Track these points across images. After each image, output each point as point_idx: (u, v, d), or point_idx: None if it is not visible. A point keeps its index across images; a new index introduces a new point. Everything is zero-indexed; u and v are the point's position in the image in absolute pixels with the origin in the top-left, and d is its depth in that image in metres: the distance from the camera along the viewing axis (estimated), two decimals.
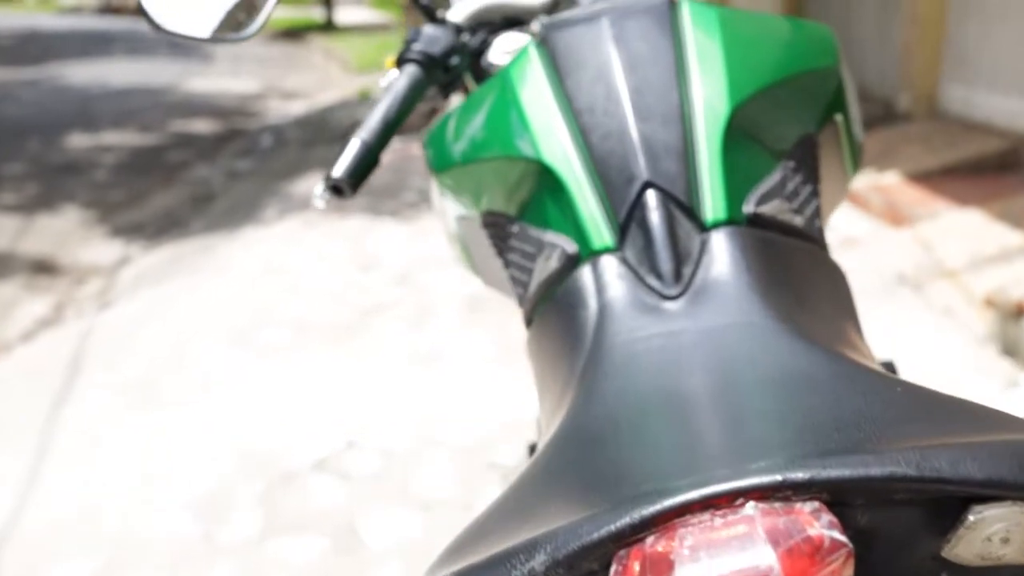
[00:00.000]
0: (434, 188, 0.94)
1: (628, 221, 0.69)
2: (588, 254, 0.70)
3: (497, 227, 0.83)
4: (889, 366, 1.04)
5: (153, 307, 3.55)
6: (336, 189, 0.88)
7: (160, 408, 2.60)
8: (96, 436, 2.48)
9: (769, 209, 0.70)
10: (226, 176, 6.15)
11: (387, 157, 5.67)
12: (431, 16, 1.01)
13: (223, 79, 12.14)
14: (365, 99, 9.16)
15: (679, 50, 0.76)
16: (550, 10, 1.11)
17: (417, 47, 0.96)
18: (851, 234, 3.69)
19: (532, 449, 1.00)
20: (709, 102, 0.73)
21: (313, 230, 4.38)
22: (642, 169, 0.70)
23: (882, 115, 5.19)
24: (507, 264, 0.82)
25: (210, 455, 2.30)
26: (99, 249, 4.65)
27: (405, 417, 2.41)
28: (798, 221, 0.72)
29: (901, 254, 3.24)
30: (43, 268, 4.43)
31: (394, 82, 0.95)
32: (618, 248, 0.69)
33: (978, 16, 4.53)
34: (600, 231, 0.70)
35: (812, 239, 0.73)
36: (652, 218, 0.68)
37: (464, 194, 0.86)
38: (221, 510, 2.06)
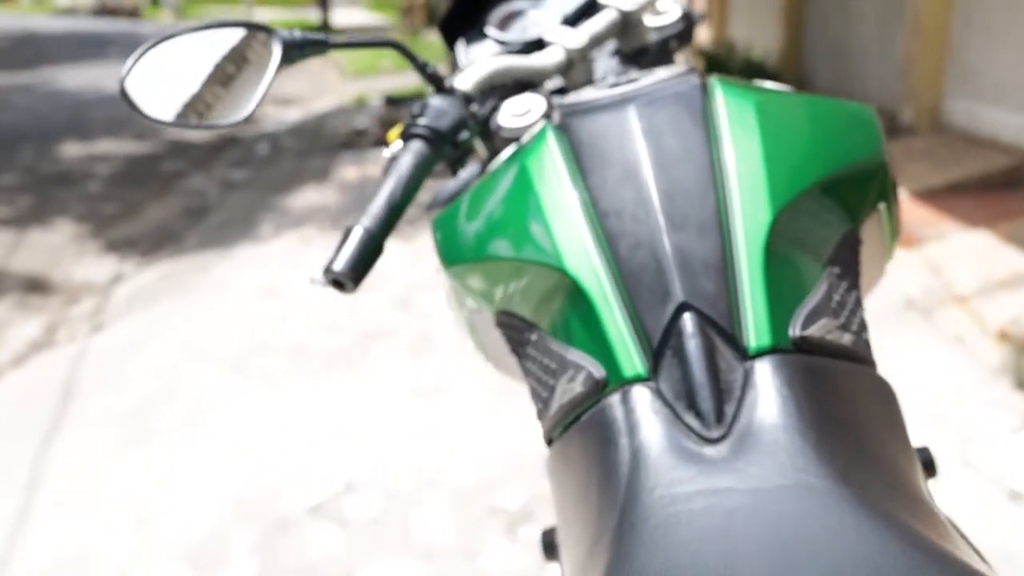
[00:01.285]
0: (442, 273, 0.88)
1: (662, 347, 0.63)
2: (617, 381, 0.64)
3: (514, 330, 0.77)
4: (925, 453, 0.98)
5: (146, 331, 3.48)
6: (336, 282, 0.81)
7: (153, 443, 2.53)
8: (88, 474, 2.41)
9: (816, 330, 0.64)
10: (221, 187, 6.08)
11: (380, 169, 5.67)
12: (438, 85, 0.94)
13: None
14: (361, 105, 9.09)
15: (714, 145, 0.70)
16: (564, 70, 1.04)
17: (423, 121, 0.89)
18: None
19: (546, 540, 0.93)
20: (749, 208, 0.66)
21: (310, 248, 4.31)
22: (677, 288, 0.63)
23: (885, 128, 5.11)
24: (525, 371, 0.76)
25: (204, 497, 2.23)
26: (92, 266, 4.58)
27: (405, 455, 2.35)
28: (846, 339, 0.66)
29: (909, 277, 3.18)
30: (35, 286, 4.35)
31: (399, 160, 0.88)
32: (651, 378, 0.63)
33: (983, 30, 4.48)
34: (631, 357, 0.63)
35: (861, 358, 0.67)
36: (690, 346, 0.61)
37: (477, 290, 0.80)
38: (215, 560, 1.99)
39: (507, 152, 0.95)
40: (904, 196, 4.03)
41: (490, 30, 1.17)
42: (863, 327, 0.70)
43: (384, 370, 2.84)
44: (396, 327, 3.17)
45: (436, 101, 0.91)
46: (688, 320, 0.62)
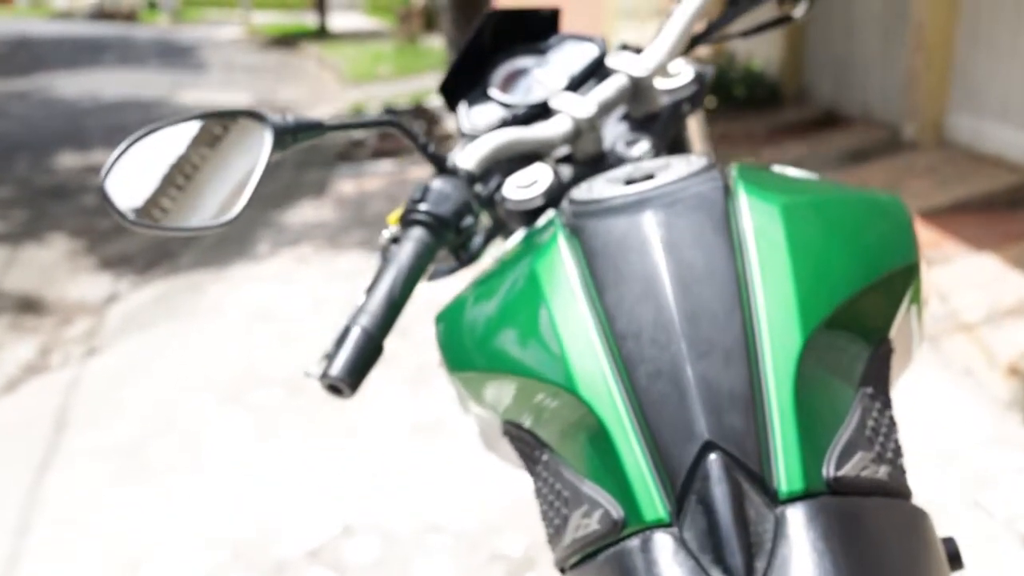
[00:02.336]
0: (445, 375, 0.83)
1: (686, 490, 0.58)
2: (637, 523, 0.59)
3: (523, 443, 0.72)
4: (951, 545, 0.93)
5: (140, 357, 3.43)
6: (333, 387, 0.76)
7: (147, 481, 2.48)
8: (80, 516, 2.36)
9: (851, 468, 0.59)
10: None
11: (381, 183, 5.57)
12: (440, 165, 0.89)
13: (215, 91, 11.99)
14: (359, 113, 9.04)
15: (739, 258, 0.65)
16: (571, 140, 1.00)
17: (424, 207, 0.84)
18: None
19: None
20: (778, 332, 0.62)
21: (306, 267, 4.26)
22: (702, 425, 0.58)
23: (887, 143, 5.09)
24: (536, 490, 0.71)
25: (199, 541, 2.18)
26: (87, 284, 4.53)
27: (404, 497, 2.30)
28: (883, 473, 0.61)
29: None
30: (29, 306, 4.30)
31: (398, 248, 0.83)
32: (673, 523, 0.58)
33: (988, 46, 4.44)
34: (652, 500, 0.58)
35: (897, 491, 0.62)
36: (716, 492, 0.56)
37: (484, 399, 0.75)
38: None
39: (514, 239, 0.90)
40: None
41: (493, 92, 1.13)
42: (898, 452, 0.65)
43: (383, 403, 2.79)
44: (394, 356, 3.12)
45: (438, 184, 0.86)
46: (714, 462, 0.57)
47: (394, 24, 17.38)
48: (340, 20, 22.63)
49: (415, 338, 3.26)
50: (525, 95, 1.12)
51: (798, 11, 1.12)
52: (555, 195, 1.01)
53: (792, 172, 0.81)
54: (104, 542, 2.23)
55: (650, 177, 0.76)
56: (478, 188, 0.90)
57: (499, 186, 0.93)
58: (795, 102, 6.39)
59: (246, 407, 2.85)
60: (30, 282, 4.60)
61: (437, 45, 9.99)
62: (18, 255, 5.04)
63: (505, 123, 1.08)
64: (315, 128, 0.81)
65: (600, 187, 0.77)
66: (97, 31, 23.15)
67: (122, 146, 0.73)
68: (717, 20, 1.11)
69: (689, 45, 1.07)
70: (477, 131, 1.08)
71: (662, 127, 1.04)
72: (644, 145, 1.02)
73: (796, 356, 0.61)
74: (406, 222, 0.85)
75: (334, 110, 9.75)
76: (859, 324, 0.67)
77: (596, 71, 1.11)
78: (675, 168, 0.76)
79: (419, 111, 7.89)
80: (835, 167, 5.00)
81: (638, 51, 1.11)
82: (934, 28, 4.70)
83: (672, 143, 1.10)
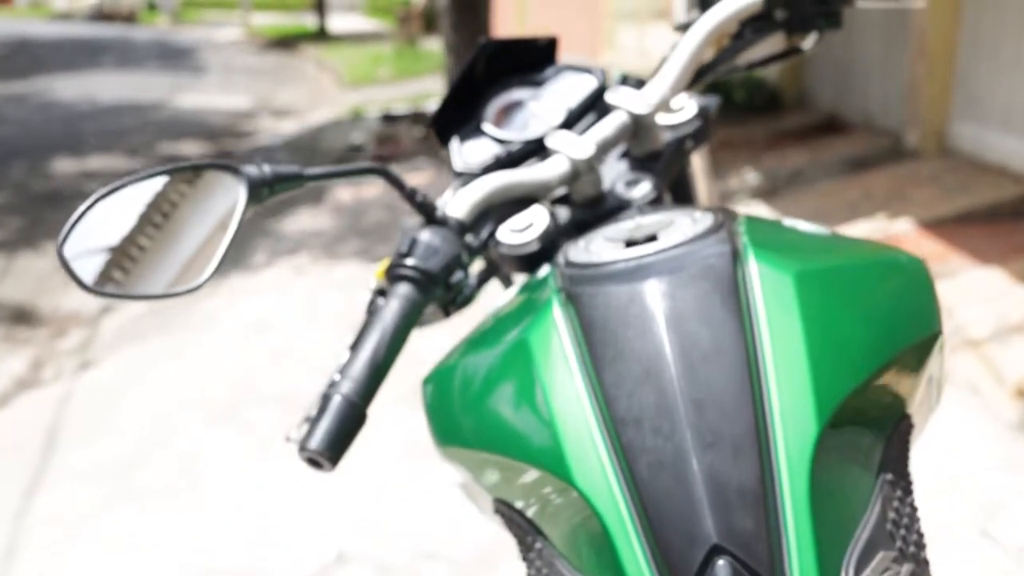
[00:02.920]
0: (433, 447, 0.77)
1: None
2: None
3: (516, 526, 0.67)
4: None
5: (133, 372, 3.38)
6: (312, 460, 0.71)
7: (137, 505, 2.43)
8: (68, 542, 2.30)
9: (872, 571, 0.54)
10: None
11: (378, 191, 5.51)
12: (429, 215, 0.84)
13: (213, 95, 11.95)
14: (358, 118, 8.98)
15: (749, 336, 0.60)
16: (569, 181, 0.94)
17: (411, 262, 0.79)
18: None
19: None
20: (792, 420, 0.57)
21: (303, 278, 4.21)
22: (709, 526, 0.53)
23: (889, 150, 5.04)
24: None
25: (190, 569, 2.13)
26: (80, 295, 4.47)
27: (400, 522, 2.25)
28: (905, 573, 0.56)
29: None
30: (23, 317, 4.25)
31: (383, 307, 0.78)
32: None
33: (991, 54, 4.39)
34: None
35: None
36: None
37: (474, 474, 0.70)
38: None
39: (508, 295, 0.85)
40: (911, 226, 3.94)
41: (487, 126, 1.08)
42: (921, 543, 0.60)
43: (379, 424, 2.74)
44: (390, 374, 3.06)
45: (426, 236, 0.81)
46: (722, 568, 0.52)
47: (394, 26, 17.33)
48: (340, 21, 22.57)
49: (411, 354, 3.21)
50: (521, 130, 1.07)
51: (807, 43, 1.07)
52: (552, 239, 0.96)
53: (803, 226, 0.76)
54: (90, 570, 2.18)
55: (652, 238, 0.71)
56: (469, 238, 0.85)
57: (492, 234, 0.88)
58: (796, 108, 6.34)
59: (240, 425, 2.80)
60: (24, 292, 4.55)
61: (436, 47, 9.93)
62: (13, 264, 4.99)
63: (499, 160, 1.03)
64: (294, 179, 0.76)
65: (599, 247, 0.72)
66: (96, 32, 23.10)
67: (82, 208, 0.68)
68: (722, 53, 1.06)
69: (693, 79, 1.01)
70: (470, 169, 1.03)
71: (664, 166, 0.99)
72: (645, 186, 0.97)
73: (811, 446, 0.56)
74: (392, 277, 0.80)
75: (333, 113, 9.70)
76: (878, 403, 0.62)
77: (595, 104, 1.06)
78: (679, 227, 0.71)
79: (417, 116, 7.84)
80: (837, 175, 4.95)
81: (639, 84, 1.06)
82: (936, 35, 4.65)
83: (674, 181, 1.05)
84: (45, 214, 6.01)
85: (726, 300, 0.61)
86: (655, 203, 0.96)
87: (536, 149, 1.03)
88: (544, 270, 0.82)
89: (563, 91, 1.08)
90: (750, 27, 1.04)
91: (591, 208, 0.97)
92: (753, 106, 6.24)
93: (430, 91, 9.84)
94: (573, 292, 0.67)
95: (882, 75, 5.35)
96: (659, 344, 0.60)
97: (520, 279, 1.06)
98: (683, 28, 1.04)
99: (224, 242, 0.70)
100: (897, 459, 0.62)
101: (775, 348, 0.59)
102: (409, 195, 0.83)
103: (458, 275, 0.81)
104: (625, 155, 1.02)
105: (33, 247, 5.26)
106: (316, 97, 11.60)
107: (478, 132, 1.07)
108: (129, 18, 28.40)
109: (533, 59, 1.12)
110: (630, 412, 0.58)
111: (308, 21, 22.09)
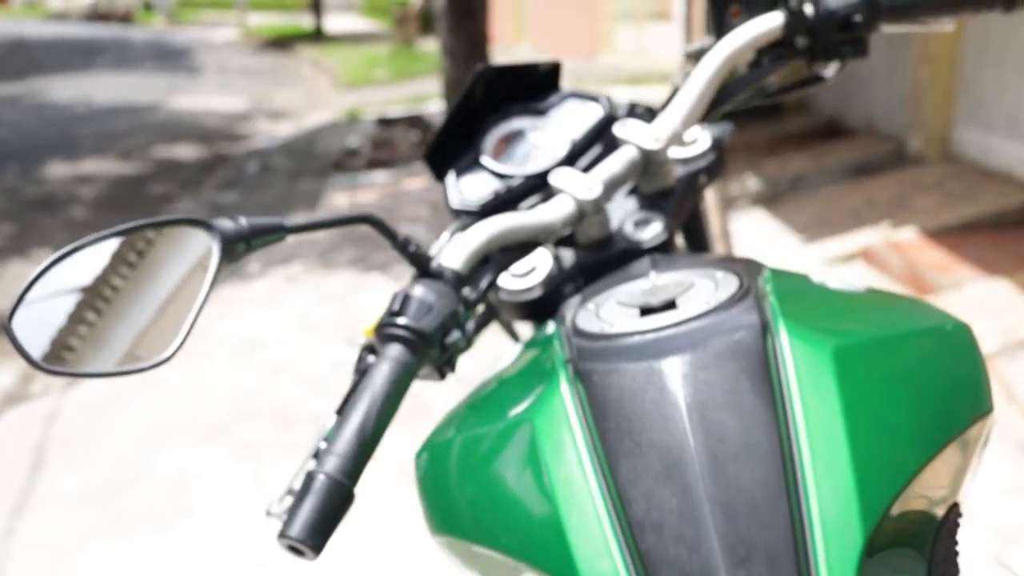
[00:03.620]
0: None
1: None
2: None
3: None
4: None
5: (124, 386, 3.30)
6: (293, 548, 0.64)
7: (124, 533, 2.36)
8: (52, 572, 2.23)
9: None
10: (209, 211, 5.90)
11: (376, 195, 5.45)
12: (422, 267, 0.77)
13: (209, 96, 11.87)
14: (354, 121, 8.91)
15: (783, 426, 0.53)
16: (574, 223, 0.88)
17: (403, 321, 0.72)
18: None
19: None
20: (834, 528, 0.50)
21: (296, 288, 4.14)
22: None
23: (892, 156, 4.98)
24: None
25: None
26: None
27: (397, 551, 2.18)
28: None
29: None
30: None
31: (372, 369, 0.70)
32: None
33: (996, 59, 4.32)
34: None
35: None
36: None
37: (471, 567, 0.63)
38: None
39: (511, 356, 0.78)
40: (915, 234, 3.87)
41: (485, 159, 1.00)
42: None
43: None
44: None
45: (419, 291, 0.73)
46: None
47: (390, 26, 17.26)
48: (336, 21, 22.48)
49: None
50: (522, 163, 1.00)
51: (829, 71, 1.00)
52: (556, 284, 0.90)
53: (834, 283, 0.69)
54: None
55: (671, 305, 0.64)
56: (466, 291, 0.77)
57: (491, 283, 0.81)
58: (796, 112, 6.27)
59: (233, 445, 2.73)
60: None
61: (433, 48, 9.86)
62: (3, 272, 4.91)
63: (499, 196, 0.96)
64: (274, 231, 0.69)
65: (611, 314, 0.65)
66: (92, 33, 23.00)
67: (33, 275, 0.61)
68: (739, 82, 0.98)
69: (707, 111, 0.94)
70: (468, 206, 0.96)
71: (676, 204, 0.92)
72: (656, 227, 0.90)
73: (856, 559, 0.49)
74: (382, 337, 0.72)
75: (329, 116, 9.62)
76: (926, 497, 0.55)
77: (601, 135, 0.99)
78: (700, 292, 0.64)
79: (414, 119, 7.76)
80: (839, 181, 4.89)
81: (648, 113, 0.99)
82: (940, 40, 4.58)
83: (687, 220, 0.98)
84: (37, 220, 5.93)
85: (756, 384, 0.54)
86: (666, 245, 0.90)
87: (538, 184, 0.96)
88: (550, 327, 0.75)
89: (567, 121, 1.01)
90: (768, 55, 0.97)
91: (597, 251, 0.90)
92: (753, 109, 6.16)
93: (427, 93, 9.76)
94: (583, 369, 0.60)
95: (885, 79, 5.28)
96: (681, 436, 0.53)
97: (523, 327, 0.99)
98: (695, 56, 0.97)
99: (195, 306, 0.63)
100: (946, 557, 0.56)
101: (813, 442, 0.52)
102: (401, 245, 0.76)
103: (454, 335, 0.74)
104: (633, 191, 0.95)
105: (24, 255, 5.19)
106: (312, 99, 11.53)
107: (476, 165, 1.00)
108: (125, 18, 28.30)
109: (534, 85, 1.05)
110: (648, 515, 0.51)
111: (305, 21, 22.01)
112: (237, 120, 9.99)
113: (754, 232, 4.32)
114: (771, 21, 0.94)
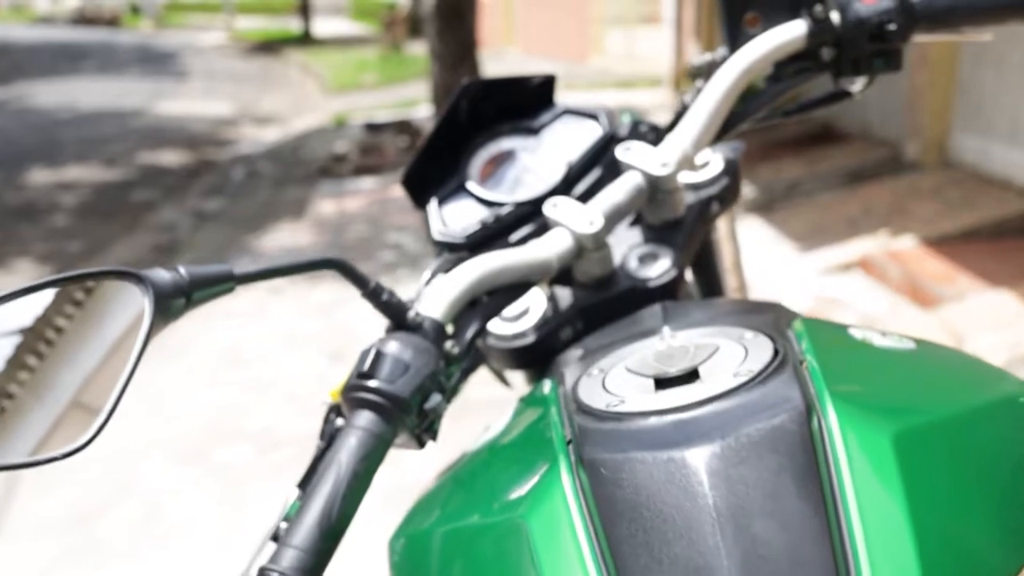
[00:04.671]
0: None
1: None
2: None
3: None
4: None
5: None
6: None
7: (97, 563, 2.24)
8: None
9: None
10: (193, 219, 5.78)
11: (362, 203, 5.35)
12: (397, 319, 0.66)
13: (195, 101, 11.73)
14: (341, 126, 8.79)
15: (836, 541, 0.43)
16: (572, 259, 0.77)
17: (375, 384, 0.60)
18: (869, 311, 3.38)
19: None
20: None
21: (279, 300, 4.02)
22: None
23: (888, 162, 4.89)
24: None
25: None
26: None
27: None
28: None
29: None
30: None
31: (339, 438, 0.60)
32: None
33: (995, 64, 4.24)
34: None
35: None
36: None
37: None
38: None
39: (501, 422, 0.68)
40: (914, 243, 3.78)
41: (471, 185, 0.90)
42: None
43: None
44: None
45: (394, 347, 0.62)
46: None
47: (379, 30, 17.14)
48: (324, 25, 22.34)
49: None
50: (512, 189, 0.89)
51: (856, 86, 0.90)
52: (551, 329, 0.79)
53: (878, 340, 0.59)
54: None
55: (692, 374, 0.54)
56: (449, 345, 0.67)
57: (478, 333, 0.71)
58: None
59: (211, 468, 2.62)
60: None
61: (422, 52, 9.75)
62: None
63: (486, 226, 0.85)
64: (220, 282, 0.59)
65: (619, 384, 0.55)
66: (78, 37, 22.79)
67: None
68: (755, 99, 0.88)
69: (721, 131, 0.84)
70: (452, 238, 0.86)
71: (686, 236, 0.82)
72: (664, 263, 0.80)
73: None
74: (350, 401, 0.62)
75: (316, 121, 9.50)
76: None
77: (601, 156, 0.89)
78: (727, 358, 0.53)
79: (402, 125, 7.65)
80: (835, 187, 4.80)
81: (654, 131, 0.89)
82: (938, 44, 4.50)
83: (697, 253, 0.88)
84: (17, 228, 5.80)
85: (803, 483, 0.44)
86: (676, 283, 0.79)
87: (531, 213, 0.86)
88: (546, 386, 0.64)
89: (562, 140, 0.91)
90: (789, 68, 0.87)
91: (598, 290, 0.80)
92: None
93: (415, 97, 9.65)
94: (588, 457, 0.49)
95: (881, 84, 5.19)
96: (712, 553, 0.43)
97: (515, 376, 0.89)
98: (704, 70, 0.87)
99: (120, 379, 0.52)
100: None
101: (875, 560, 0.42)
102: (372, 293, 0.65)
103: (434, 399, 0.63)
104: (637, 220, 0.85)
105: (2, 265, 5.06)
106: (300, 103, 11.40)
107: (461, 192, 0.90)
108: (112, 22, 28.09)
109: (526, 101, 0.95)
110: None
111: (293, 25, 21.85)
112: (223, 125, 9.86)
113: (750, 241, 4.23)
114: (793, 31, 0.83)
